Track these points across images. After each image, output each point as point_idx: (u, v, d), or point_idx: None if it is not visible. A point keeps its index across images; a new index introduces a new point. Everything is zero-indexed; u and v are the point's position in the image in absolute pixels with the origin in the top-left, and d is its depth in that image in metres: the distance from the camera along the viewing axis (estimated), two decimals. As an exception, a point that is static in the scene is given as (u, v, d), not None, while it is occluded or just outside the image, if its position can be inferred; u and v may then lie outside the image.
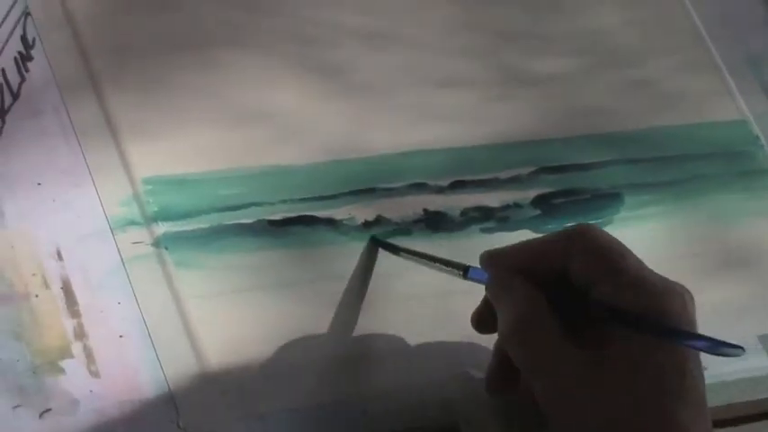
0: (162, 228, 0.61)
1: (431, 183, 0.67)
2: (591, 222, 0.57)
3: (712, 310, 0.68)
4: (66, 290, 0.59)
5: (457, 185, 0.68)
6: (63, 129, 0.63)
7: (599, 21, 0.77)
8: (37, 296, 0.58)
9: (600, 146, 0.72)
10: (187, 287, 0.60)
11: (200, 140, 0.64)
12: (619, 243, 0.56)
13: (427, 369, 0.62)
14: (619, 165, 0.72)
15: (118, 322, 0.59)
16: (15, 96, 0.63)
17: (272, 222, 0.64)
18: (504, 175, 0.69)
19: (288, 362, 0.60)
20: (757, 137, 0.77)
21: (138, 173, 0.62)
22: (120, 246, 0.61)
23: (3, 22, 0.64)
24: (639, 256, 0.57)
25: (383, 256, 0.64)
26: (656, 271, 0.56)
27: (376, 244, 0.64)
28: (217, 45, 0.67)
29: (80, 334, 0.58)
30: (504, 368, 0.58)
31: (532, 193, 0.69)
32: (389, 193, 0.67)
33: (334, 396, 0.60)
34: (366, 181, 0.66)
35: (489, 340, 0.59)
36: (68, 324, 0.58)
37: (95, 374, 0.57)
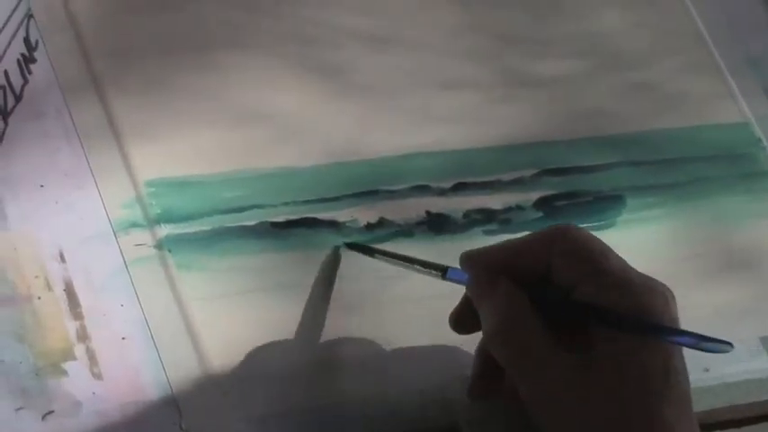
0: (164, 230, 0.61)
1: (433, 185, 0.68)
2: (571, 224, 0.57)
3: (714, 312, 0.68)
4: (69, 292, 0.59)
5: (459, 187, 0.68)
6: (66, 131, 0.63)
7: (601, 23, 0.77)
8: (39, 298, 0.58)
9: (602, 148, 0.72)
10: (190, 289, 0.60)
11: (203, 142, 0.65)
12: (600, 242, 0.56)
13: (427, 371, 0.62)
14: (621, 167, 0.72)
15: (120, 324, 0.59)
16: (18, 98, 0.63)
17: (274, 224, 0.64)
18: (506, 177, 0.69)
19: (290, 364, 0.60)
20: (759, 139, 0.77)
21: (140, 175, 0.62)
22: (123, 248, 0.61)
23: (5, 24, 0.64)
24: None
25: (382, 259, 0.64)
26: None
27: (350, 248, 0.64)
28: (220, 47, 0.67)
29: (83, 336, 0.58)
30: (487, 371, 0.58)
31: (535, 196, 0.69)
32: (392, 195, 0.67)
33: (336, 398, 0.60)
34: (368, 183, 0.66)
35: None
36: (71, 326, 0.58)
37: (98, 376, 0.57)
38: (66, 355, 0.57)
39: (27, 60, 0.64)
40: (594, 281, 0.55)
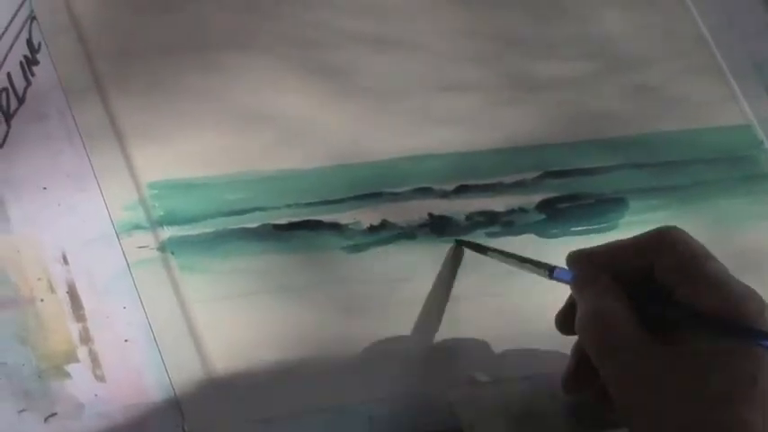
0: (167, 232, 0.61)
1: (436, 187, 0.67)
2: (676, 228, 0.59)
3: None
4: (72, 294, 0.59)
5: (462, 190, 0.68)
6: (68, 133, 0.63)
7: (604, 26, 0.77)
8: (42, 300, 0.58)
9: (604, 151, 0.72)
10: (192, 291, 0.60)
11: (206, 144, 0.64)
12: (703, 247, 0.58)
13: (433, 374, 0.62)
14: (623, 169, 0.72)
15: (123, 327, 0.59)
16: (21, 100, 0.63)
17: (277, 227, 0.64)
18: (509, 179, 0.69)
19: (293, 366, 0.60)
20: (761, 141, 0.77)
21: (143, 177, 0.62)
22: (126, 250, 0.61)
23: (8, 26, 0.64)
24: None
25: (382, 259, 0.64)
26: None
27: (462, 246, 0.65)
28: (222, 49, 0.67)
29: (85, 338, 0.58)
30: (581, 369, 0.60)
31: (537, 198, 0.69)
32: (394, 197, 0.66)
33: (340, 401, 0.60)
34: (371, 185, 0.66)
35: (490, 344, 0.60)
36: (74, 328, 0.58)
37: (101, 379, 0.57)
38: (69, 358, 0.57)
39: (30, 62, 0.64)
40: (694, 284, 0.57)
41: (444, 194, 0.68)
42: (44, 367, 0.57)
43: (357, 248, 0.64)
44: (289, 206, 0.64)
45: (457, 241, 0.66)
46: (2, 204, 0.60)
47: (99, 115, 0.63)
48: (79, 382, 0.57)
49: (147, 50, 0.66)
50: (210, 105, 0.66)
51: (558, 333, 0.61)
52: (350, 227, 0.65)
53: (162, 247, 0.61)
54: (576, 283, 0.59)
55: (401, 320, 0.63)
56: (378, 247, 0.64)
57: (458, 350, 0.63)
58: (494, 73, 0.73)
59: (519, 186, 0.69)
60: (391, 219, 0.66)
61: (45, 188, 0.61)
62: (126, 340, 0.59)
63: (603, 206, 0.71)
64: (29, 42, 0.64)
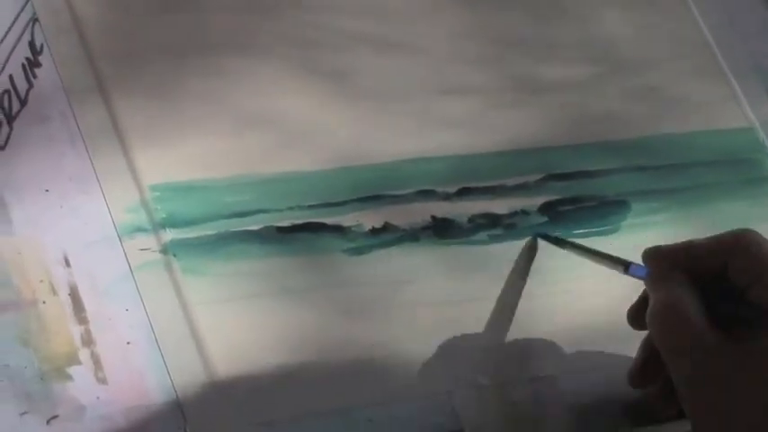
0: (169, 234, 0.61)
1: (438, 189, 0.67)
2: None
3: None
4: (74, 296, 0.59)
5: (464, 192, 0.68)
6: (70, 135, 0.63)
7: (606, 28, 0.77)
8: (44, 303, 0.58)
9: (606, 153, 0.72)
10: (194, 294, 0.60)
11: (208, 146, 0.64)
12: None
13: (434, 376, 0.62)
14: (625, 172, 0.72)
15: (125, 329, 0.59)
16: (23, 103, 0.63)
17: (279, 229, 0.64)
18: (511, 182, 0.69)
19: (295, 369, 0.60)
20: (764, 144, 0.77)
21: (145, 179, 0.62)
22: (128, 252, 0.61)
23: (10, 28, 0.64)
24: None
25: (384, 262, 0.64)
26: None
27: (541, 239, 0.66)
28: (224, 51, 0.67)
29: (87, 340, 0.58)
30: (648, 363, 0.60)
31: (539, 200, 0.69)
32: (397, 199, 0.66)
33: (341, 403, 0.60)
34: (373, 188, 0.66)
35: (494, 346, 0.60)
36: (76, 331, 0.58)
37: (103, 381, 0.57)
38: (71, 360, 0.57)
39: (32, 65, 0.64)
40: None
41: (447, 197, 0.68)
42: (46, 369, 0.57)
43: (359, 251, 0.64)
44: (291, 208, 0.64)
45: (535, 234, 0.66)
46: (4, 206, 0.60)
47: (101, 117, 0.63)
48: (81, 385, 0.57)
49: (149, 53, 0.66)
50: (212, 108, 0.66)
51: (557, 334, 0.61)
52: (352, 229, 0.65)
53: (164, 250, 0.61)
54: (649, 281, 0.60)
55: (403, 323, 0.63)
56: (380, 250, 0.64)
57: (463, 354, 0.63)
58: (495, 75, 0.73)
59: (521, 189, 0.69)
60: (393, 221, 0.66)
61: (47, 190, 0.61)
62: (128, 342, 0.59)
63: (605, 208, 0.71)
64: (31, 44, 0.64)
